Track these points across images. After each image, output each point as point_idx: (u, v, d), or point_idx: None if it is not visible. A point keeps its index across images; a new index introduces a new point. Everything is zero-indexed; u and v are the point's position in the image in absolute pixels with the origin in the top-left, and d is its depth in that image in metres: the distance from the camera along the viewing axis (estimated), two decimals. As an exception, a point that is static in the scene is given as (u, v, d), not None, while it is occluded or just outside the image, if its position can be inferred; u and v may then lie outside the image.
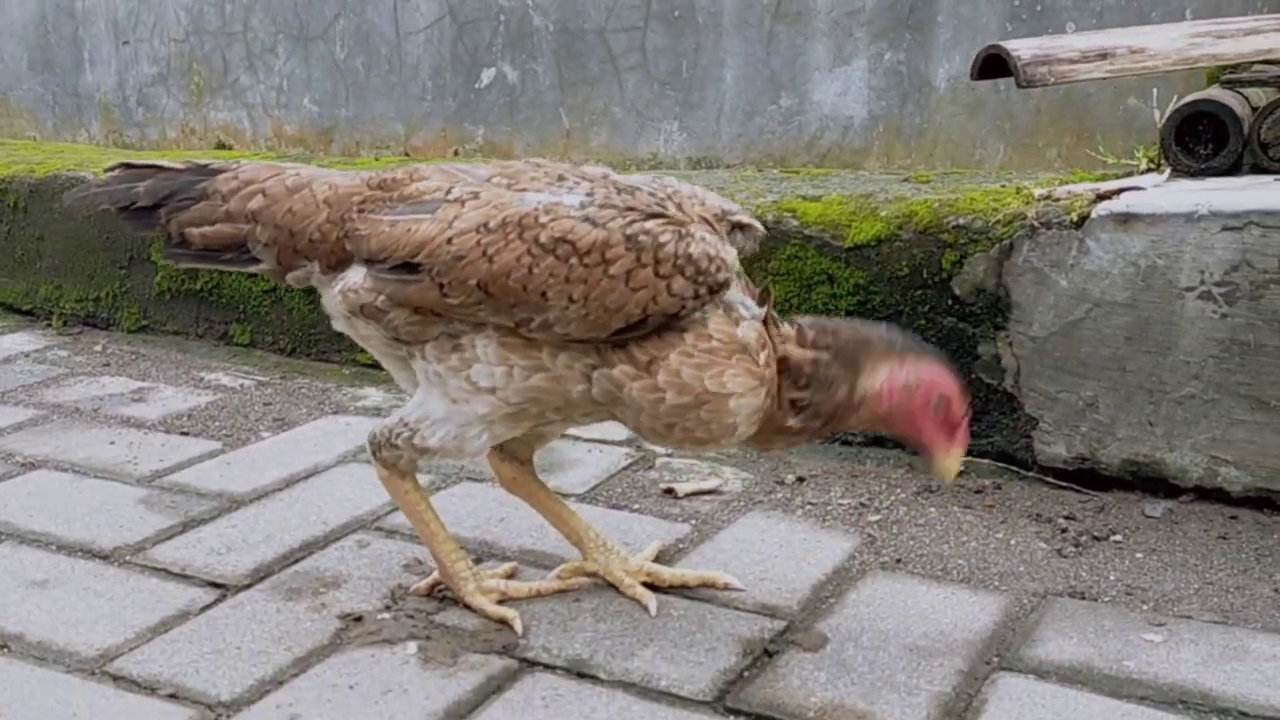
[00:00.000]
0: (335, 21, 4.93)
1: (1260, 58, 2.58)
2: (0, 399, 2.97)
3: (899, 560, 2.03)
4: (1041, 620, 1.82)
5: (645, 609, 1.86)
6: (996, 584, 1.95)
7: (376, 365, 2.12)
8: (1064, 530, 2.13)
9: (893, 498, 2.29)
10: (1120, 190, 2.25)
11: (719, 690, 1.65)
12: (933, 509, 2.24)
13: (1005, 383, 2.32)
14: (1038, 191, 2.35)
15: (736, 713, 1.60)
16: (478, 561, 2.03)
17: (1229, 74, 2.69)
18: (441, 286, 1.67)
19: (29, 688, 1.69)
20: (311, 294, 2.38)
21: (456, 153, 4.78)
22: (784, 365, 1.68)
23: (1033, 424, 2.31)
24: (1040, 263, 2.24)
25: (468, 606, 1.86)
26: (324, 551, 2.10)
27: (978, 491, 2.30)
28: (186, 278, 3.36)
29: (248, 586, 1.97)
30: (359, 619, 1.86)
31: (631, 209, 1.65)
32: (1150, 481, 2.24)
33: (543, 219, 1.64)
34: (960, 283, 2.33)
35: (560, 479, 2.40)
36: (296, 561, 2.06)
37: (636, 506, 2.27)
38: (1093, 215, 2.19)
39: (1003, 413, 2.35)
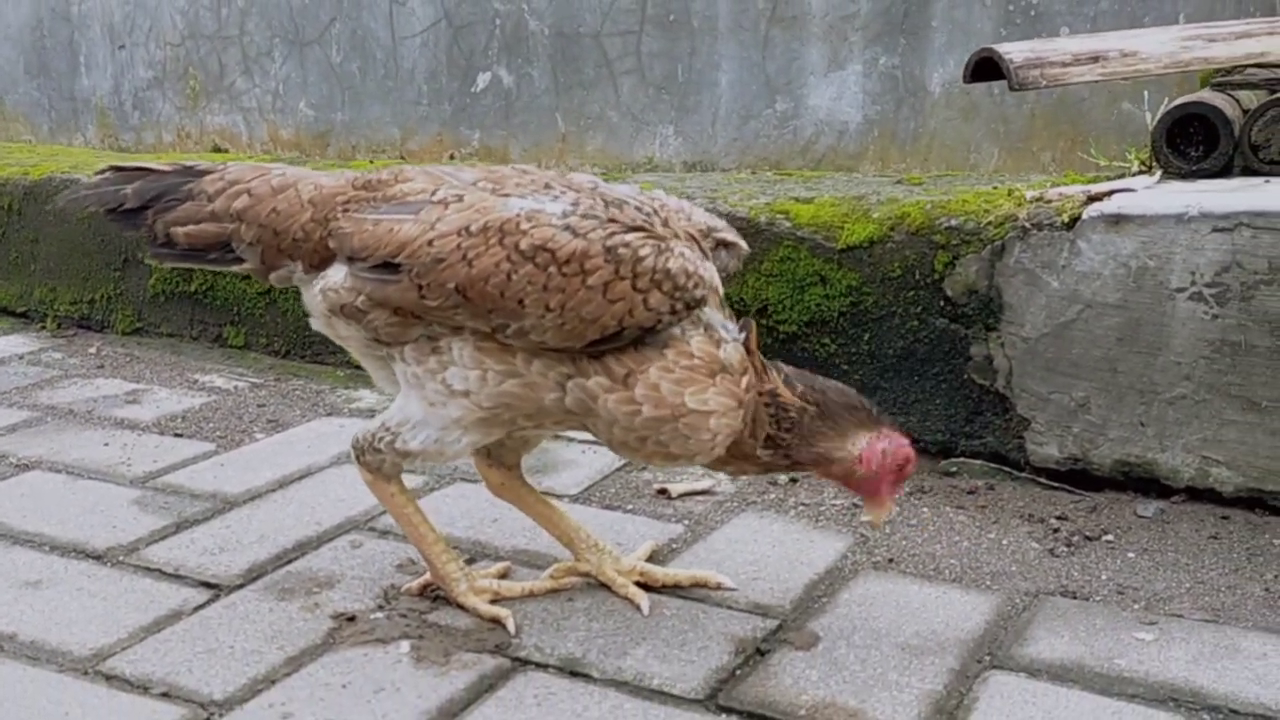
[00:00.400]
0: (331, 26, 4.94)
1: (1251, 61, 2.59)
2: (-6, 401, 2.98)
3: (891, 560, 2.04)
4: (1033, 619, 1.83)
5: (638, 608, 1.87)
6: (988, 583, 1.95)
7: (370, 366, 2.12)
8: (1056, 530, 2.14)
9: (885, 498, 2.29)
10: (1111, 192, 2.25)
11: (711, 689, 1.66)
12: (925, 509, 2.24)
13: (997, 383, 2.33)
14: (1029, 193, 2.36)
15: (729, 711, 1.60)
16: (471, 562, 2.03)
17: (1220, 77, 2.70)
18: (420, 288, 1.67)
19: (22, 687, 1.69)
20: (305, 295, 2.38)
21: (452, 156, 4.79)
22: (772, 403, 1.71)
23: (1025, 425, 2.32)
24: (1032, 264, 2.25)
25: (460, 606, 1.87)
26: (317, 552, 2.10)
27: (970, 492, 2.31)
28: (181, 280, 3.36)
29: (241, 586, 1.97)
30: (352, 618, 1.86)
31: (613, 220, 1.66)
32: (1142, 482, 2.24)
33: (524, 225, 1.65)
34: (952, 284, 2.34)
35: (554, 480, 2.40)
36: (289, 562, 2.06)
37: (630, 507, 2.28)
38: (1084, 216, 2.20)
39: (995, 413, 2.35)
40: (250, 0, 5.13)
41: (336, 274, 1.76)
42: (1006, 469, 2.35)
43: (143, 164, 1.93)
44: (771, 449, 1.72)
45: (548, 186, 1.72)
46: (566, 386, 1.69)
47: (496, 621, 1.83)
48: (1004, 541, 2.10)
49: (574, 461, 2.50)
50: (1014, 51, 2.43)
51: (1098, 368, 2.23)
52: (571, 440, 2.61)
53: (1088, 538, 2.10)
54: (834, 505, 2.27)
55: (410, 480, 2.33)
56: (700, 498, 2.31)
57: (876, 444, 1.72)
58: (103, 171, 1.93)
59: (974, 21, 3.79)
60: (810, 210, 2.51)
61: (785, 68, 4.13)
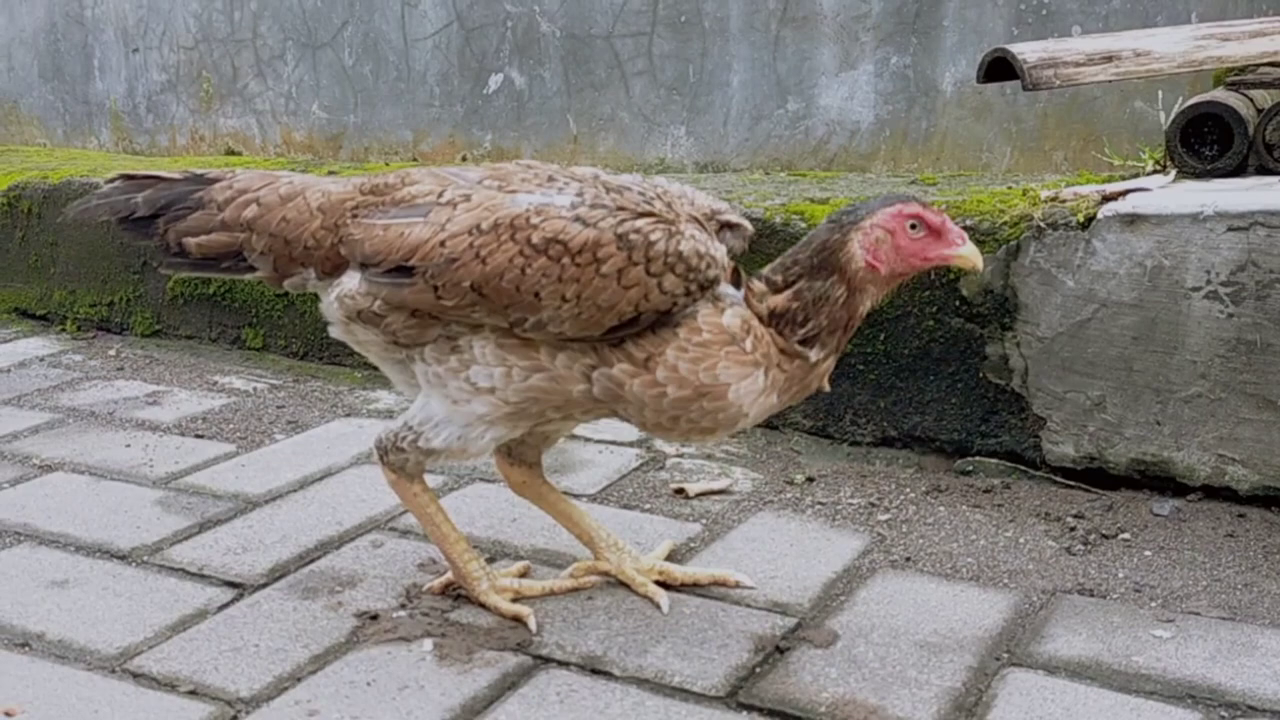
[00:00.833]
0: (343, 29, 4.96)
1: (1265, 60, 2.60)
2: (17, 402, 3.00)
3: (909, 558, 2.05)
4: (1051, 617, 1.84)
5: (658, 606, 1.88)
6: (1006, 581, 1.96)
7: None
8: (1073, 528, 2.15)
9: (902, 497, 2.31)
10: (1126, 191, 2.26)
11: (731, 686, 1.67)
12: (942, 508, 2.26)
13: (1013, 383, 2.34)
14: (1044, 193, 2.37)
15: (749, 708, 1.62)
16: (491, 561, 2.05)
17: (1234, 76, 2.71)
18: (436, 289, 1.69)
19: (51, 685, 1.71)
20: (325, 297, 2.40)
21: (465, 158, 4.81)
22: (775, 317, 1.70)
23: (1041, 424, 2.33)
24: (1047, 263, 2.26)
25: (482, 605, 1.88)
26: (339, 551, 2.12)
27: (986, 491, 2.32)
28: (199, 282, 3.39)
29: (264, 586, 2.00)
30: (375, 617, 1.88)
31: (622, 208, 1.67)
32: (1158, 480, 2.25)
33: (534, 220, 1.67)
34: (968, 284, 2.35)
35: (571, 480, 2.42)
36: (312, 561, 2.08)
37: (648, 506, 2.29)
38: (1099, 216, 2.21)
39: (1011, 413, 2.36)
40: (263, 3, 5.16)
41: (351, 281, 1.78)
42: (1023, 468, 2.36)
43: (153, 172, 1.94)
44: (813, 345, 1.69)
45: (551, 179, 1.74)
46: (592, 377, 1.70)
47: (518, 620, 1.85)
48: (1021, 540, 2.11)
49: (591, 461, 2.52)
50: (1027, 52, 2.44)
51: (1114, 367, 2.24)
52: (589, 440, 2.63)
53: (1104, 536, 2.11)
54: (851, 504, 2.28)
55: (430, 480, 2.36)
56: (717, 497, 2.33)
57: (867, 240, 1.66)
58: (114, 180, 1.93)
59: (985, 21, 3.80)
60: (825, 210, 2.52)
61: (796, 68, 4.14)
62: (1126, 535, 2.12)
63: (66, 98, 5.97)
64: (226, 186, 1.86)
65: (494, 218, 1.68)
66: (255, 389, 3.07)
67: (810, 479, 2.40)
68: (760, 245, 2.54)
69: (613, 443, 2.62)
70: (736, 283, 1.75)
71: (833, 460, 2.50)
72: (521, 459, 1.96)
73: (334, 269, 1.80)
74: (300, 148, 5.22)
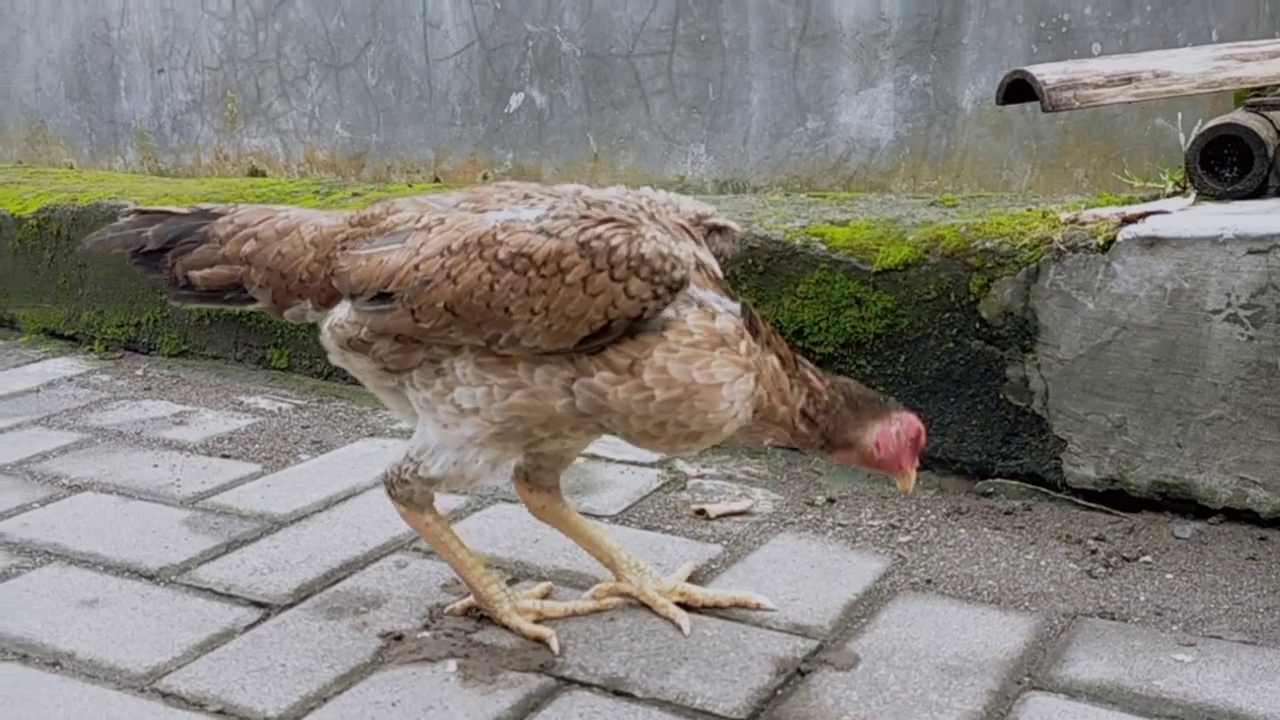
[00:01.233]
0: (366, 49, 5.01)
1: (1285, 81, 2.59)
2: (46, 422, 3.05)
3: (930, 581, 2.06)
4: (1072, 640, 1.84)
5: (679, 628, 1.90)
6: (1027, 604, 1.97)
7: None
8: (1094, 551, 2.15)
9: (923, 519, 2.31)
10: (1146, 214, 2.27)
11: (753, 708, 1.68)
12: (963, 530, 2.26)
13: (1034, 405, 2.35)
14: (1064, 215, 2.37)
15: (771, 731, 1.63)
16: (513, 582, 2.07)
17: (1253, 96, 2.71)
18: (413, 312, 1.72)
19: (81, 704, 1.74)
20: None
21: (485, 176, 4.85)
22: (804, 385, 1.79)
23: (1061, 445, 2.33)
24: (1067, 286, 2.27)
25: (505, 626, 1.90)
26: (364, 571, 2.14)
27: (1007, 513, 2.33)
28: (225, 302, 3.43)
29: (290, 606, 2.02)
30: (399, 638, 1.90)
31: (585, 217, 1.68)
32: (1179, 503, 2.25)
33: (500, 235, 1.69)
34: (988, 306, 2.36)
35: (593, 501, 2.44)
36: (337, 581, 2.11)
37: (669, 528, 2.31)
38: (1119, 239, 2.22)
39: (1031, 434, 2.37)
40: (287, 24, 5.22)
41: (341, 310, 1.82)
42: (1043, 490, 2.37)
43: (164, 208, 2.01)
44: (808, 424, 1.80)
45: (527, 196, 1.77)
46: (573, 389, 1.71)
47: (540, 641, 1.86)
48: (1042, 562, 2.12)
49: (613, 482, 2.54)
50: (1047, 73, 2.46)
51: (1134, 389, 2.24)
52: (610, 460, 2.65)
53: (1125, 559, 2.12)
54: (871, 526, 2.29)
55: (452, 501, 2.38)
56: (738, 518, 2.34)
57: (889, 429, 1.81)
58: (129, 214, 2.01)
59: (1005, 39, 3.81)
60: (845, 233, 2.54)
61: (816, 86, 4.16)
62: (1148, 558, 2.12)
63: (93, 117, 6.05)
64: (228, 221, 1.93)
65: (463, 237, 1.72)
66: (280, 409, 3.11)
67: (831, 500, 2.41)
68: (779, 267, 2.56)
69: (634, 463, 2.63)
70: (730, 297, 1.77)
71: (853, 481, 2.51)
72: (540, 484, 1.98)
73: (329, 300, 1.85)
74: (323, 167, 5.27)
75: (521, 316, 1.67)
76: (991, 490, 2.41)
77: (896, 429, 1.82)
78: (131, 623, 1.98)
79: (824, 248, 2.53)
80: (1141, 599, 1.97)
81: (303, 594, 2.06)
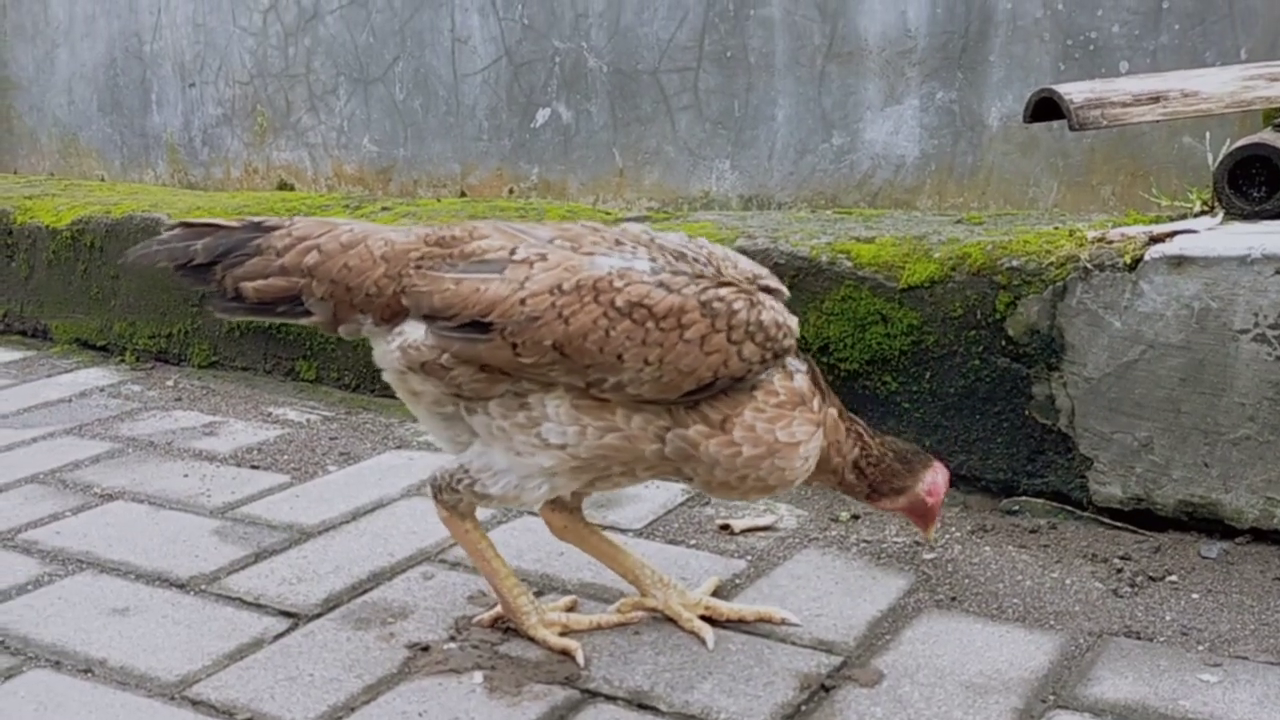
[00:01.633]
0: (395, 64, 5.07)
1: (1314, 100, 2.59)
2: (78, 432, 3.09)
3: (954, 598, 2.06)
4: (1097, 659, 1.84)
5: (703, 642, 1.91)
6: (1052, 623, 1.97)
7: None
8: (1119, 570, 2.15)
9: (947, 536, 2.32)
10: (1174, 233, 2.27)
11: (777, 724, 1.69)
12: (987, 548, 2.26)
13: (1060, 423, 2.35)
14: (1091, 234, 2.38)
15: (795, 746, 1.64)
16: (539, 594, 2.09)
17: (1282, 116, 2.70)
18: (515, 346, 1.72)
19: (113, 711, 1.76)
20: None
21: (511, 191, 4.88)
22: (857, 442, 1.91)
23: (1088, 464, 2.33)
24: (1094, 304, 2.27)
25: (530, 639, 1.92)
26: (391, 583, 2.16)
27: (1033, 531, 2.32)
28: (254, 314, 3.46)
29: (319, 616, 2.04)
30: (426, 649, 1.91)
31: (701, 276, 1.76)
32: (1206, 522, 2.25)
33: (617, 283, 1.72)
34: (1014, 324, 2.36)
35: (618, 514, 2.45)
36: (365, 592, 2.13)
37: (693, 542, 2.32)
38: (1146, 258, 2.22)
39: (1057, 453, 2.37)
40: (317, 40, 5.28)
41: (415, 331, 1.80)
42: (1069, 508, 2.36)
43: (212, 220, 1.97)
44: (858, 475, 1.92)
45: (619, 243, 1.80)
46: (665, 438, 1.77)
47: (566, 654, 1.88)
48: (1067, 581, 2.12)
49: (637, 496, 2.55)
50: (1074, 92, 2.46)
51: (1161, 408, 2.24)
52: (634, 474, 2.66)
53: (1151, 578, 2.11)
54: (896, 543, 2.29)
55: (479, 514, 2.39)
56: (762, 534, 2.35)
57: (937, 476, 1.97)
58: (173, 228, 1.97)
59: (1032, 56, 3.81)
60: (871, 250, 2.55)
61: (841, 102, 4.17)
62: (1174, 577, 2.11)
63: (125, 131, 6.13)
64: (285, 234, 1.89)
65: (575, 278, 1.73)
66: (309, 420, 3.14)
67: (855, 516, 2.42)
68: (805, 284, 2.57)
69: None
70: (795, 354, 1.86)
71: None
72: (562, 504, 1.99)
73: (392, 316, 1.83)
74: (351, 180, 5.32)
75: (633, 365, 1.71)
76: (1016, 508, 2.41)
77: (939, 478, 1.97)
78: (162, 631, 2.00)
79: (850, 264, 2.54)
80: (1167, 619, 1.97)
81: (331, 604, 2.08)
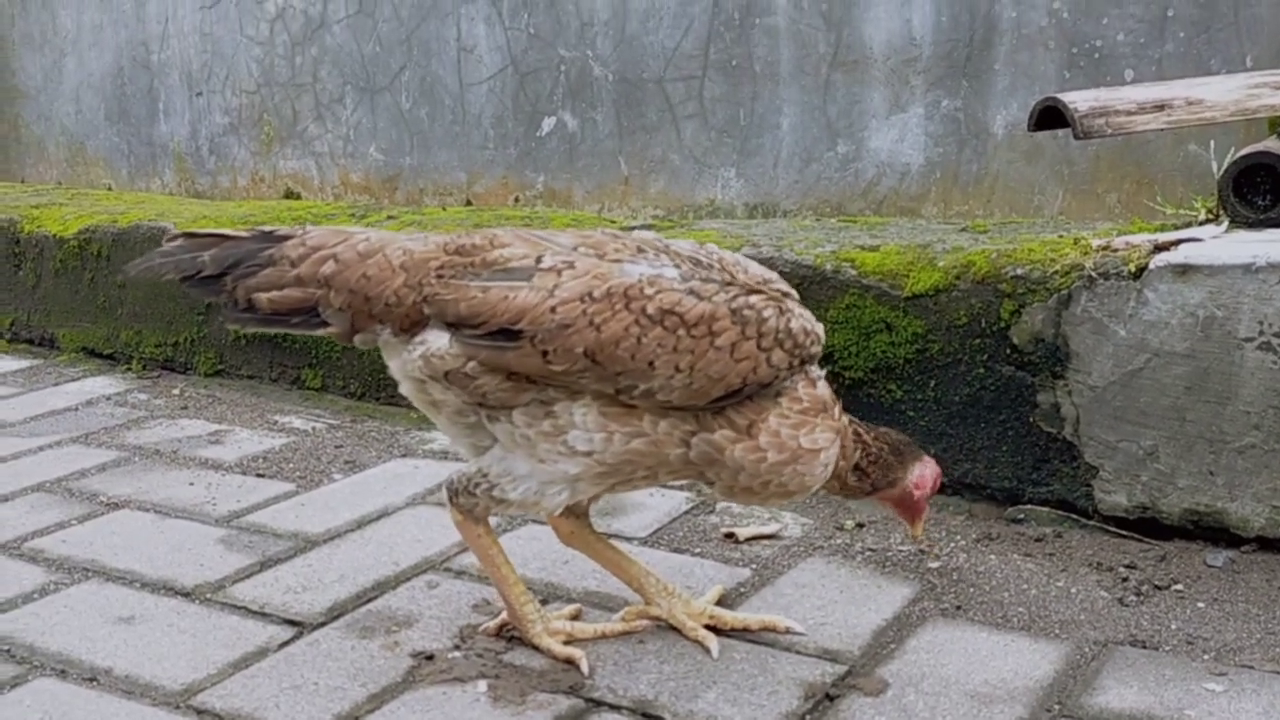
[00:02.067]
0: (401, 73, 5.08)
1: (1319, 108, 2.59)
2: (84, 440, 3.10)
3: (959, 607, 2.06)
4: (1102, 669, 1.84)
5: (708, 651, 1.91)
6: (1057, 632, 1.96)
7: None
8: (1125, 579, 2.14)
9: (952, 544, 2.31)
10: (1178, 241, 2.27)
11: (782, 733, 1.69)
12: (993, 556, 2.26)
13: (1065, 431, 2.34)
14: (1095, 242, 2.38)
15: (799, 756, 1.63)
16: (544, 603, 2.08)
17: (1287, 124, 2.70)
18: (545, 354, 1.72)
19: (118, 719, 1.76)
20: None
21: (517, 199, 4.89)
22: (858, 442, 1.92)
23: (1093, 473, 2.33)
24: (1099, 313, 2.27)
25: (535, 647, 1.92)
26: (395, 591, 2.16)
27: (1038, 539, 2.32)
28: (260, 323, 3.47)
29: (323, 624, 2.04)
30: (430, 657, 1.92)
31: (730, 284, 1.77)
32: (1212, 531, 2.24)
33: (648, 290, 1.73)
34: (1018, 332, 2.36)
35: (623, 523, 2.45)
36: (369, 600, 2.13)
37: (698, 550, 2.32)
38: (1151, 266, 2.22)
39: (1062, 461, 2.36)
40: (324, 49, 5.30)
41: (439, 340, 1.78)
42: (1074, 517, 2.36)
43: (217, 230, 1.94)
44: (859, 476, 1.94)
45: (641, 250, 1.80)
46: (691, 442, 1.78)
47: (570, 662, 1.88)
48: (1072, 590, 2.11)
49: (642, 504, 2.55)
50: (1079, 100, 2.46)
51: (1166, 416, 2.23)
52: (639, 483, 2.66)
53: (1157, 587, 2.11)
54: (900, 551, 2.29)
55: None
56: (767, 542, 2.35)
57: (924, 470, 1.99)
58: (176, 238, 1.92)
59: (1037, 64, 3.81)
60: (876, 258, 2.55)
61: (846, 111, 4.18)
62: (1179, 586, 2.11)
63: (132, 139, 6.15)
64: (299, 244, 1.86)
65: (606, 286, 1.73)
66: (314, 429, 3.14)
67: (860, 525, 2.41)
68: (810, 292, 2.57)
69: (663, 486, 2.64)
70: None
71: (882, 507, 2.50)
72: (571, 510, 1.99)
73: (412, 325, 1.81)
74: (357, 189, 5.34)
75: (664, 372, 1.72)
76: (1022, 517, 2.41)
77: (928, 471, 1.99)
78: (167, 639, 2.00)
79: (854, 273, 2.55)
80: (1173, 627, 1.96)
81: (335, 613, 2.08)
